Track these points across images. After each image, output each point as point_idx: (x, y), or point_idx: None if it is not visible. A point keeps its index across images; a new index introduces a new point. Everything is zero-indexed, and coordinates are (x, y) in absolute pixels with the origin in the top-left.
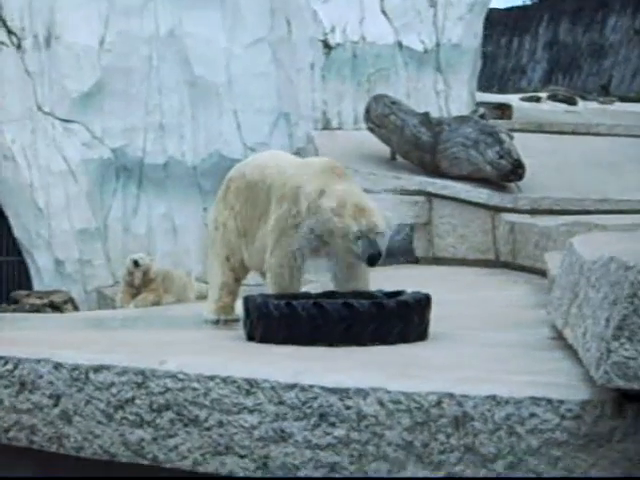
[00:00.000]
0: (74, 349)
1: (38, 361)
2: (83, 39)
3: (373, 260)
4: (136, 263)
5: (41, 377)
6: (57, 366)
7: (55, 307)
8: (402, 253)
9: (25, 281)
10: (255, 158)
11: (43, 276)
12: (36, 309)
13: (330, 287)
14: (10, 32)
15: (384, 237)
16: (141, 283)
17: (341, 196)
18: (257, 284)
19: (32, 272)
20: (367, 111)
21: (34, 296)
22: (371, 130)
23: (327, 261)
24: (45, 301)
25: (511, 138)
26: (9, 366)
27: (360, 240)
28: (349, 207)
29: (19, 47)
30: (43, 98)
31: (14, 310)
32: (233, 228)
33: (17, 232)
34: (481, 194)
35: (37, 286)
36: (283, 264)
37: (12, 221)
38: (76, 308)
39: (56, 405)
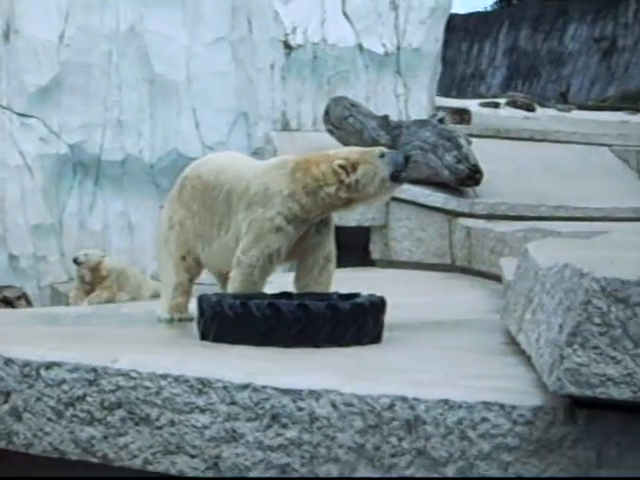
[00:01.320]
0: (26, 345)
1: None
2: (42, 33)
3: (408, 159)
4: (75, 261)
5: None
6: (8, 362)
7: (8, 302)
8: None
9: None
10: (210, 159)
11: None
12: None
13: (289, 288)
14: None
15: None
16: (92, 280)
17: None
18: (212, 283)
19: None
20: (326, 113)
21: None
22: (330, 132)
23: (293, 263)
24: None
25: (469, 143)
26: None
27: (386, 154)
28: (352, 154)
29: None
30: (0, 92)
31: None
32: (191, 228)
33: None
34: (438, 198)
35: None
36: (256, 265)
37: None
38: (29, 304)
39: (6, 401)
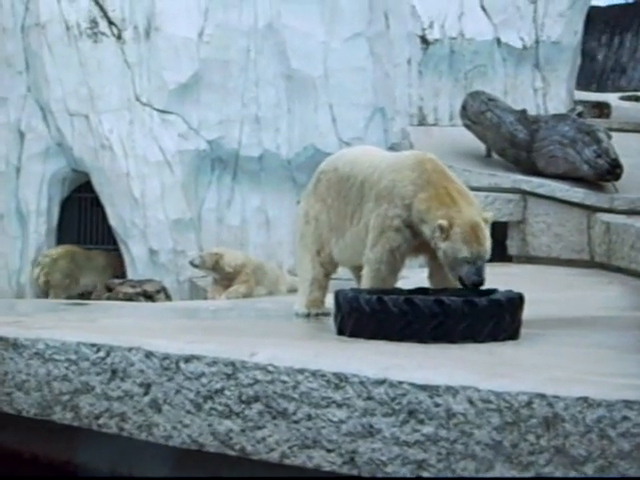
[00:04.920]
0: (165, 338)
1: (130, 349)
2: (182, 31)
3: (476, 287)
4: (191, 264)
5: (132, 365)
6: (148, 355)
7: (148, 296)
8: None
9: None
10: (347, 152)
11: (137, 265)
12: (129, 298)
13: (424, 284)
14: (110, 23)
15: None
16: (221, 277)
17: (449, 215)
18: (348, 278)
19: (126, 261)
20: (463, 107)
21: (127, 285)
22: (467, 127)
23: (424, 258)
24: (138, 290)
25: (609, 137)
26: (101, 353)
27: (467, 265)
28: (459, 229)
29: (119, 38)
30: (141, 89)
31: (108, 298)
32: (325, 222)
33: (112, 221)
34: (577, 193)
35: (131, 275)
36: (382, 260)
37: (108, 210)
38: (169, 298)
39: (146, 393)
